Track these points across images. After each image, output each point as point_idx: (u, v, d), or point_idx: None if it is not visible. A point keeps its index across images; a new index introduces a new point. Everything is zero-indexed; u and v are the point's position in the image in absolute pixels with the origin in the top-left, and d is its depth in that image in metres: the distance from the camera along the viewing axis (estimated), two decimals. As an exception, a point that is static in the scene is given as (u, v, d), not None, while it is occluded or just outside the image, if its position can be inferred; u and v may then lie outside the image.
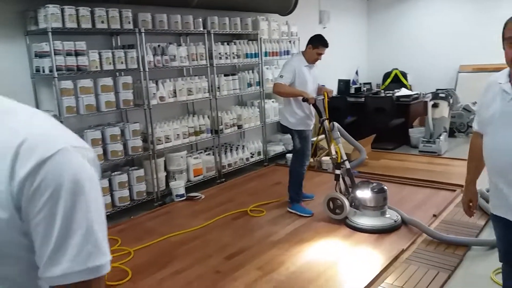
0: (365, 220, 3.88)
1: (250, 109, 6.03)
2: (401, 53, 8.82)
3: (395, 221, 3.87)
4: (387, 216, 3.93)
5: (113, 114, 4.63)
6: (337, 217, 4.03)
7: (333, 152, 4.17)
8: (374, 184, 3.96)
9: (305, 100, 4.08)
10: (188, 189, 5.05)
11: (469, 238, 3.55)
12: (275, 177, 5.64)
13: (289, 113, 4.28)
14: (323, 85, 4.49)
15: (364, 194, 3.92)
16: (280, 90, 4.13)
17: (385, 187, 3.97)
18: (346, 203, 3.94)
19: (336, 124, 4.36)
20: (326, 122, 4.22)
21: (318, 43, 4.16)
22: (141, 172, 4.66)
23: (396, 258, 3.30)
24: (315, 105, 4.13)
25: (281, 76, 4.15)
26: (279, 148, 6.49)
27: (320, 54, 4.19)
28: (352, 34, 8.76)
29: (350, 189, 4.08)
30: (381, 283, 2.96)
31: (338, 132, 4.30)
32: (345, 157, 4.15)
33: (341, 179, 4.12)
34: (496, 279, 2.92)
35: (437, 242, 3.53)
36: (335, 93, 7.08)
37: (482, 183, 4.34)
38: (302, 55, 4.28)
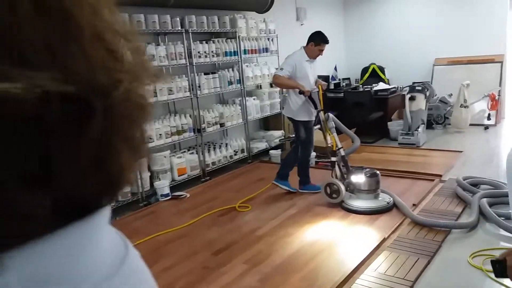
0: (359, 203, 4.17)
1: (232, 107, 6.08)
2: (378, 48, 8.98)
3: (388, 203, 4.16)
4: (380, 198, 4.22)
5: (94, 116, 4.61)
6: (334, 201, 4.30)
7: (329, 141, 4.43)
8: (367, 169, 4.27)
9: (301, 92, 4.35)
10: (173, 188, 5.07)
11: (448, 221, 3.71)
12: (259, 173, 5.70)
13: (292, 104, 4.56)
14: (318, 79, 4.73)
15: (358, 178, 4.22)
16: (279, 81, 4.46)
17: (378, 172, 4.27)
18: (342, 187, 4.21)
19: (331, 114, 4.56)
20: (322, 113, 4.50)
21: (319, 40, 4.43)
22: (124, 173, 4.66)
23: (378, 246, 3.40)
24: (310, 97, 4.41)
25: (281, 69, 4.44)
26: (262, 145, 6.56)
27: (322, 50, 4.48)
28: (329, 30, 8.78)
29: (345, 175, 4.36)
30: (364, 271, 3.06)
31: (333, 122, 4.52)
32: (340, 145, 4.41)
33: (336, 166, 4.42)
34: (473, 262, 3.05)
35: (417, 229, 3.65)
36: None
37: (459, 172, 4.52)
38: (304, 50, 4.50)
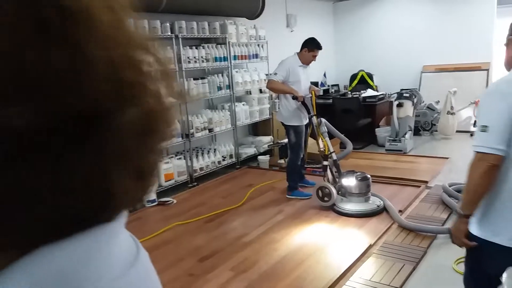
0: (350, 206, 4.26)
1: (221, 112, 6.07)
2: (367, 55, 9.06)
3: (378, 206, 4.26)
4: (370, 202, 4.31)
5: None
6: (326, 204, 4.39)
7: (321, 145, 4.52)
8: (358, 173, 4.34)
9: (294, 97, 4.43)
10: (160, 194, 5.04)
11: (435, 227, 3.78)
12: (248, 179, 5.70)
13: (283, 109, 4.68)
14: (311, 85, 4.82)
15: (350, 182, 4.31)
16: (273, 86, 4.54)
17: (368, 176, 4.35)
18: (334, 191, 4.31)
19: (323, 120, 4.66)
20: (314, 118, 4.61)
21: (313, 46, 4.56)
22: (111, 178, 4.62)
23: (364, 252, 3.41)
24: (303, 103, 4.50)
25: (275, 74, 4.53)
26: (251, 151, 6.56)
27: (315, 56, 4.61)
28: (319, 37, 8.76)
29: (337, 179, 4.45)
30: (350, 277, 3.07)
31: (325, 127, 4.61)
32: (332, 150, 4.50)
33: (328, 170, 4.50)
34: (458, 268, 3.07)
35: (404, 235, 3.67)
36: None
37: (445, 179, 4.54)
38: (297, 56, 4.61)
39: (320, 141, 4.56)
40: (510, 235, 1.72)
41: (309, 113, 4.59)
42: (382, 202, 4.32)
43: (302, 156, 4.88)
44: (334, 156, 4.49)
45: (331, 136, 4.71)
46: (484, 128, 1.72)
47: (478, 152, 1.73)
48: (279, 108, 4.85)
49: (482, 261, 1.86)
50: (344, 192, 4.35)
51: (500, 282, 1.92)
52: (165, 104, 0.33)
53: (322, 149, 4.52)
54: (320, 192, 4.45)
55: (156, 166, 0.35)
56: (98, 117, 0.29)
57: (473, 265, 1.94)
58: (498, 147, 1.67)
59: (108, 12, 0.30)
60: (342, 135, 4.88)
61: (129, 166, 0.32)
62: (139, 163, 0.33)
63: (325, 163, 4.52)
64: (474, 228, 1.81)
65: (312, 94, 4.67)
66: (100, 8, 0.29)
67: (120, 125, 0.30)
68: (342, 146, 6.77)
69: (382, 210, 4.22)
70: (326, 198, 4.40)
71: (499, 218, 1.75)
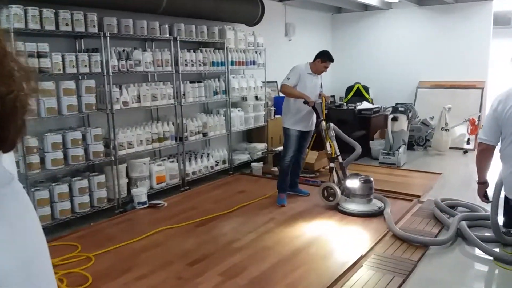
0: (354, 206, 4.52)
1: (216, 117, 6.05)
2: (363, 67, 9.12)
3: (379, 208, 4.51)
4: (372, 203, 4.58)
5: (74, 118, 4.54)
6: (330, 204, 4.65)
7: (328, 148, 4.73)
8: (362, 176, 4.60)
9: (305, 102, 4.60)
10: (151, 196, 4.98)
11: (428, 238, 3.81)
12: (240, 185, 5.67)
13: (283, 110, 4.93)
14: (321, 91, 4.96)
15: (354, 184, 4.56)
16: (287, 90, 4.70)
17: (371, 179, 4.62)
18: (338, 191, 4.56)
19: (332, 124, 4.84)
20: (323, 123, 4.79)
21: (326, 58, 4.81)
22: (102, 178, 4.57)
23: (355, 263, 3.39)
24: (314, 108, 4.70)
25: (287, 78, 4.72)
26: (244, 157, 6.53)
27: (327, 67, 4.84)
28: (316, 47, 8.83)
29: (342, 180, 4.69)
30: (340, 287, 3.04)
31: (333, 131, 4.82)
32: (338, 153, 4.74)
33: (334, 171, 4.72)
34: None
35: (395, 247, 3.66)
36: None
37: (438, 194, 4.55)
38: (309, 65, 4.83)
39: (328, 145, 4.76)
40: None
41: (318, 117, 4.79)
42: (383, 204, 4.57)
43: (299, 163, 5.06)
44: (340, 159, 4.74)
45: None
46: (482, 127, 2.80)
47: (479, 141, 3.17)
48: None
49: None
50: (348, 193, 4.60)
51: None
52: (26, 93, 0.63)
53: (329, 152, 4.74)
54: (325, 192, 4.70)
55: (24, 126, 0.65)
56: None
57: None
58: (484, 138, 3.12)
59: None
60: (350, 139, 5.02)
61: (15, 123, 0.63)
62: (18, 122, 0.63)
63: (332, 165, 4.77)
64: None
65: (322, 100, 4.84)
66: None
67: (8, 101, 0.60)
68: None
69: (382, 212, 4.41)
70: (331, 198, 4.66)
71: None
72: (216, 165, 6.05)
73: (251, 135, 6.99)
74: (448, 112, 7.36)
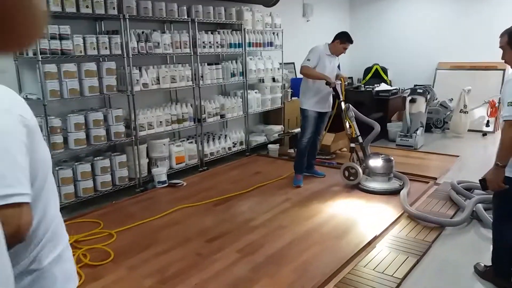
0: (375, 184, 4.68)
1: (233, 99, 6.10)
2: (382, 49, 9.00)
3: (400, 185, 4.68)
4: (392, 181, 4.75)
5: (96, 99, 4.65)
6: (352, 183, 4.76)
7: (348, 129, 4.83)
8: (383, 155, 4.76)
9: (327, 83, 4.64)
10: (170, 176, 5.11)
11: (441, 218, 3.85)
12: (257, 167, 5.75)
13: (301, 91, 4.93)
14: (339, 72, 5.05)
15: (376, 162, 4.70)
16: (307, 72, 4.69)
17: (392, 157, 4.77)
18: (360, 170, 4.68)
19: (350, 105, 4.91)
20: (343, 103, 4.83)
21: (345, 39, 4.78)
22: (123, 157, 4.70)
23: (369, 243, 3.45)
24: (334, 88, 4.75)
25: (308, 60, 4.70)
26: (261, 139, 6.59)
27: (346, 48, 4.82)
28: (334, 28, 8.79)
29: (362, 160, 4.81)
30: (354, 266, 3.11)
31: (352, 112, 4.89)
32: (358, 133, 4.84)
33: (355, 151, 4.85)
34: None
35: (409, 229, 3.70)
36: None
37: (455, 176, 4.54)
38: (328, 46, 4.81)
39: (347, 124, 4.83)
40: None
41: (338, 98, 4.82)
42: (402, 181, 4.73)
43: (316, 144, 5.11)
44: (360, 139, 4.84)
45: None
46: (511, 104, 2.42)
47: (506, 120, 2.46)
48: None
49: None
50: (368, 172, 4.72)
51: None
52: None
53: (349, 132, 4.82)
54: (346, 172, 4.79)
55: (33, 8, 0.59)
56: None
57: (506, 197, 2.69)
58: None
59: None
60: (368, 119, 5.09)
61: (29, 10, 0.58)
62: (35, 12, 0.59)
63: (352, 145, 4.88)
64: (508, 172, 2.55)
65: (341, 81, 4.87)
66: None
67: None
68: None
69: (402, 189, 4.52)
70: (352, 178, 4.75)
71: None
72: (234, 146, 6.14)
73: (268, 117, 7.03)
74: (467, 94, 7.25)
